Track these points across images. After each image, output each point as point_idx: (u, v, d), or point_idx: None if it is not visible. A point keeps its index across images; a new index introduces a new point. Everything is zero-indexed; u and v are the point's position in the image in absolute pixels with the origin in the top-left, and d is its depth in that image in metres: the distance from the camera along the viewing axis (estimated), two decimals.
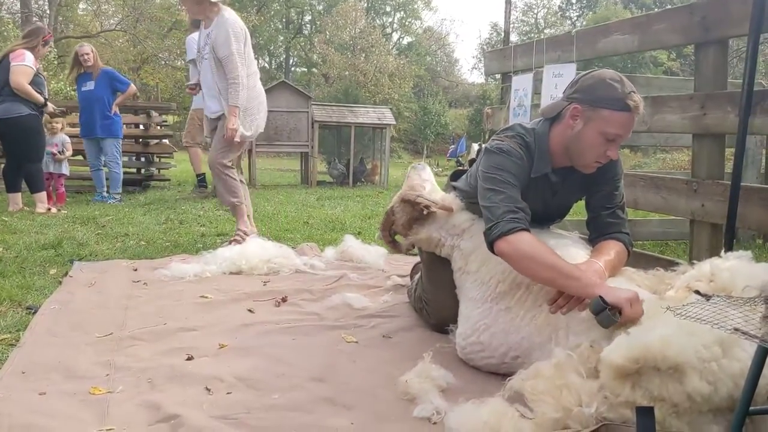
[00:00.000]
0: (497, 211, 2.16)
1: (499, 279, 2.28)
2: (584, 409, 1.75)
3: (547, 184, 2.40)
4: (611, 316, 1.90)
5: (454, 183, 2.84)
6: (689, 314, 1.38)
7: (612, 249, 2.30)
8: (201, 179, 7.67)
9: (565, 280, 2.03)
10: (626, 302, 1.90)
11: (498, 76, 5.07)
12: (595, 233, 2.43)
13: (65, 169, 6.78)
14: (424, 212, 2.67)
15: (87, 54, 6.99)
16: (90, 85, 7.02)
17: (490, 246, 2.18)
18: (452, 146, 24.83)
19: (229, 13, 4.43)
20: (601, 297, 1.92)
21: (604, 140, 2.17)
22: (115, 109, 7.08)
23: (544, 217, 2.53)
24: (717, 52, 2.81)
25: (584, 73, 2.30)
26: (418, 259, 3.23)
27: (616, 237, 2.37)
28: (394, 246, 2.96)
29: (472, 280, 2.45)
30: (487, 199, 2.22)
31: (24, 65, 5.83)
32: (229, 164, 4.59)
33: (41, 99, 5.92)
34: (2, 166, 6.67)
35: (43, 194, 6.08)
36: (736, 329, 1.29)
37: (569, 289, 2.04)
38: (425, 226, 2.68)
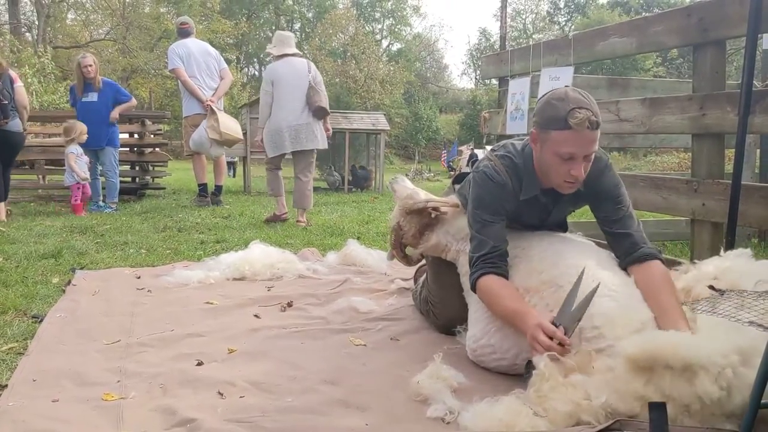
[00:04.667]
0: (473, 257, 2.36)
1: None
2: (593, 402, 1.77)
3: (540, 204, 2.43)
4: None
5: (457, 186, 2.87)
6: (704, 309, 1.40)
7: (661, 280, 2.19)
8: (202, 188, 7.66)
9: (512, 321, 2.20)
10: (533, 350, 2.02)
11: (489, 81, 5.12)
12: (622, 256, 2.32)
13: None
14: (433, 215, 2.69)
15: (90, 66, 7.00)
16: (92, 96, 7.02)
17: (473, 290, 2.39)
18: (444, 151, 24.97)
19: (272, 64, 6.17)
20: (528, 363, 2.07)
21: (561, 160, 2.18)
22: (114, 117, 7.12)
23: (544, 229, 2.56)
24: (715, 53, 2.85)
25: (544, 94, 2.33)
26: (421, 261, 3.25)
27: (647, 256, 2.27)
28: (407, 260, 2.99)
29: None
30: (470, 240, 2.42)
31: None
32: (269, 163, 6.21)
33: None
34: None
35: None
36: (752, 322, 1.31)
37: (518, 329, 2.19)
38: (435, 231, 2.70)
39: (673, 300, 2.10)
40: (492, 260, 2.31)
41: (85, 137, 6.77)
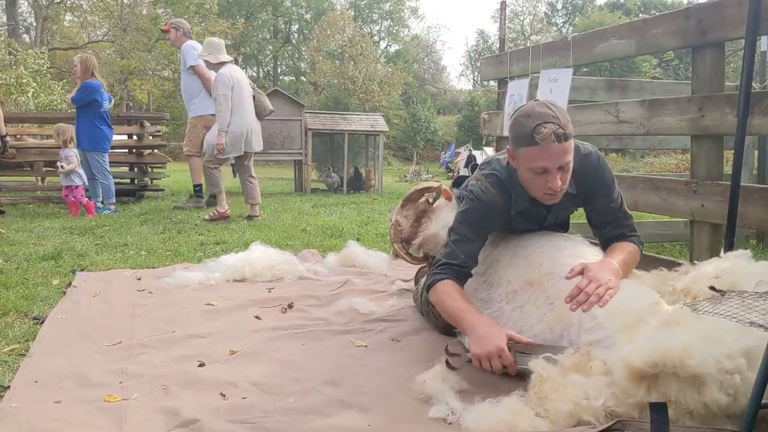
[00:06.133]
0: (441, 260, 2.43)
1: (510, 279, 2.32)
2: (592, 402, 1.78)
3: (533, 213, 2.46)
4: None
5: (455, 191, 2.90)
6: (705, 310, 1.41)
7: (625, 249, 2.35)
8: (198, 189, 7.66)
9: (457, 323, 2.34)
10: (476, 359, 2.12)
11: (487, 83, 5.14)
12: (606, 243, 2.46)
13: (75, 180, 6.80)
14: (429, 200, 2.73)
15: (75, 66, 7.02)
16: None
17: (427, 290, 2.49)
18: (443, 153, 25.05)
19: (224, 68, 6.26)
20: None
21: (536, 174, 2.21)
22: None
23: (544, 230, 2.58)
24: (713, 55, 2.86)
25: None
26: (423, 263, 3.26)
27: (628, 239, 2.42)
28: (410, 257, 3.01)
29: (481, 281, 2.50)
30: (444, 246, 2.49)
31: None
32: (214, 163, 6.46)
33: None
34: None
35: None
36: (753, 322, 1.32)
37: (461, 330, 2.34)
38: (432, 220, 2.74)
39: (616, 256, 2.27)
40: (458, 273, 2.38)
41: (61, 137, 6.76)
